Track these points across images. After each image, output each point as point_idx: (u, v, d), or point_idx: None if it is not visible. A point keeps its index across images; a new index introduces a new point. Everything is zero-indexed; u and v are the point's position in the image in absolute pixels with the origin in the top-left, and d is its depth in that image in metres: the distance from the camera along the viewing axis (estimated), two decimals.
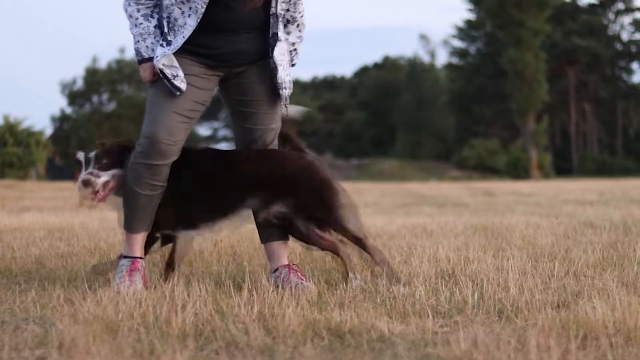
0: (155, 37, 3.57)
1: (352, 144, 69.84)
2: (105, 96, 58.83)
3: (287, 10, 3.67)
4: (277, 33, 3.61)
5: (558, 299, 3.14)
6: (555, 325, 2.63)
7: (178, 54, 3.54)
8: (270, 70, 3.63)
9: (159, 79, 3.55)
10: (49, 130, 48.76)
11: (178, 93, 3.52)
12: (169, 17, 3.54)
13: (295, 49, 3.77)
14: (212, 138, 66.94)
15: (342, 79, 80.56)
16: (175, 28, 3.53)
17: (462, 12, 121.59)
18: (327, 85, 79.11)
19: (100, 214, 8.72)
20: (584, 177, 44.66)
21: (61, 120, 58.93)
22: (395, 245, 5.11)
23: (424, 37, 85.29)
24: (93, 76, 58.15)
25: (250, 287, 3.32)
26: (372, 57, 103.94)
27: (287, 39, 3.71)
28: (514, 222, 6.95)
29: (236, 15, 3.53)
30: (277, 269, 3.68)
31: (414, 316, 2.88)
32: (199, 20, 3.48)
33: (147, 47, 3.57)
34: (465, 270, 3.83)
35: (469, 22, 64.26)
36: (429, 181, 36.12)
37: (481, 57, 65.22)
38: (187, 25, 3.50)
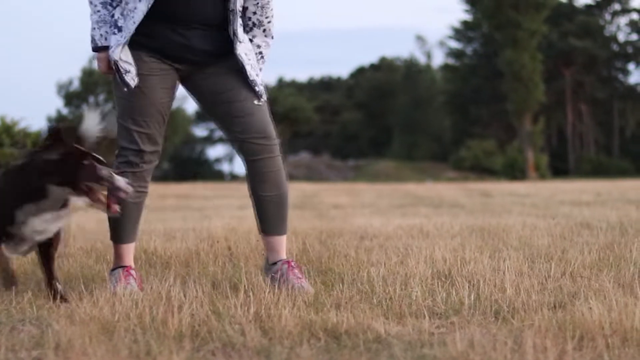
0: (110, 26, 3.52)
1: (349, 145, 69.86)
2: (101, 97, 58.72)
3: (254, 13, 3.63)
4: (237, 30, 3.53)
5: (554, 299, 3.14)
6: (552, 326, 2.63)
7: (134, 49, 3.49)
8: (238, 69, 3.56)
9: (115, 73, 3.50)
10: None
11: (125, 89, 3.48)
12: (120, 2, 3.51)
13: (260, 52, 3.69)
14: (209, 139, 66.85)
15: (339, 79, 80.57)
16: (125, 12, 3.48)
17: (458, 13, 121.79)
18: (324, 86, 79.08)
19: (97, 214, 8.67)
20: (580, 177, 44.67)
21: (57, 121, 58.84)
22: (391, 246, 5.11)
23: (420, 38, 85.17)
24: (89, 77, 57.99)
25: (246, 288, 3.32)
26: (369, 58, 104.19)
27: (251, 41, 3.65)
28: (510, 223, 6.95)
29: (191, 8, 3.47)
30: (275, 263, 3.67)
31: (411, 317, 2.88)
32: (149, 5, 3.41)
33: (101, 35, 3.53)
34: (461, 271, 3.83)
35: (465, 23, 64.23)
36: (425, 182, 36.09)
37: (477, 58, 65.25)
38: (138, 9, 3.44)
